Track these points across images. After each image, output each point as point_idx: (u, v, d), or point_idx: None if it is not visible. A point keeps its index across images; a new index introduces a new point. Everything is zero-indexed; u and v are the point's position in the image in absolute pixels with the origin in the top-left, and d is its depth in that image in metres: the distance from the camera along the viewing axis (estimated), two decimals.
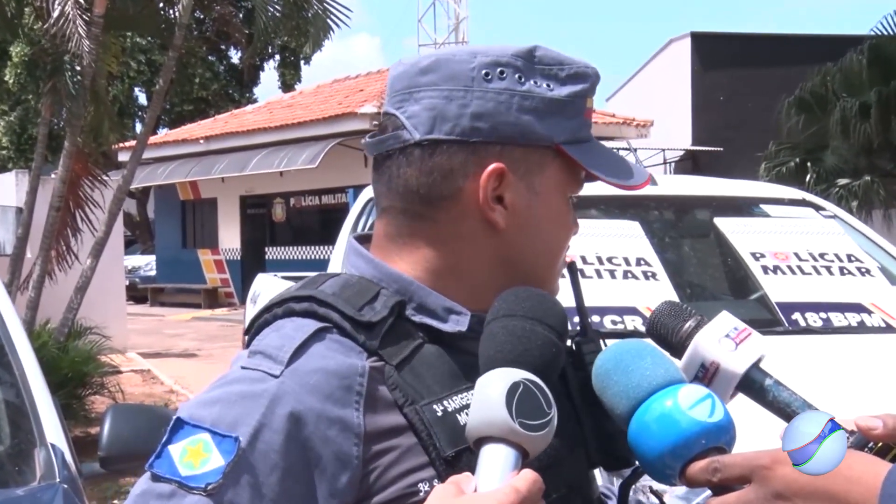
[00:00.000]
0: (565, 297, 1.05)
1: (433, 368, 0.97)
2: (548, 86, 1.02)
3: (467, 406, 0.94)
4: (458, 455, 0.93)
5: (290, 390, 0.92)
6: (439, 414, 0.94)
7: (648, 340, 1.01)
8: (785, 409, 0.96)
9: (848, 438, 0.88)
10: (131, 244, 24.53)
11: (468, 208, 1.01)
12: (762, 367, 0.98)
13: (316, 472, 0.91)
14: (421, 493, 0.92)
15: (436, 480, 0.92)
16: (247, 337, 1.03)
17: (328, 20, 9.38)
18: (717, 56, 20.37)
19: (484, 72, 1.01)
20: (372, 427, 0.93)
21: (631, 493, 1.08)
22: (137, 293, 22.09)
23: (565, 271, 1.11)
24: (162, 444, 0.90)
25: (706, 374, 0.98)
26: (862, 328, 3.37)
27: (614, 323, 3.13)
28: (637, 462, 0.98)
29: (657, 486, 1.15)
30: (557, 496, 0.91)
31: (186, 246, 22.98)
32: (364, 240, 1.08)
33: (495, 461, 0.85)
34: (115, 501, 5.80)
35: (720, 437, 0.90)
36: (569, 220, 1.07)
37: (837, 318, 3.39)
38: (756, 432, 0.95)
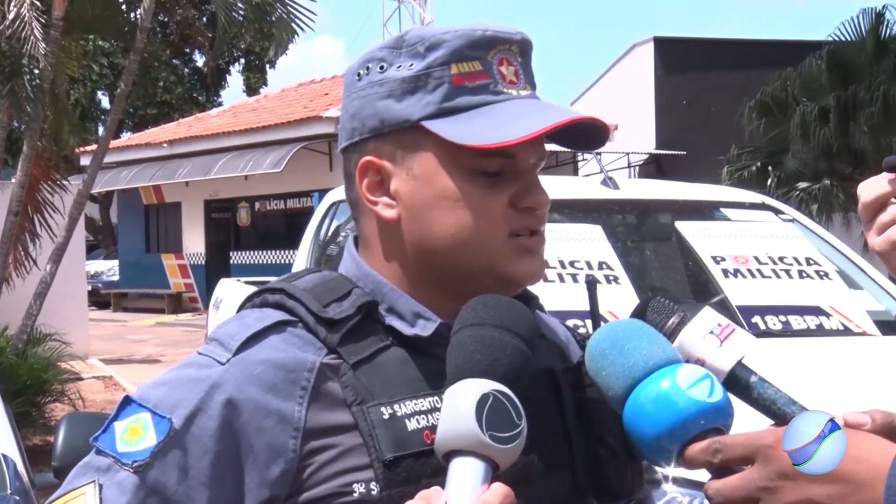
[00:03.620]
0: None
1: (393, 371, 0.95)
2: (410, 65, 0.98)
3: (421, 412, 0.93)
4: (398, 460, 0.91)
5: (231, 378, 0.93)
6: (385, 417, 0.92)
7: None
8: (770, 406, 0.95)
9: None
10: (94, 249, 24.24)
11: (367, 208, 1.02)
12: (746, 364, 0.97)
13: (248, 461, 0.92)
14: (354, 494, 0.91)
15: (373, 483, 0.91)
16: None
17: (292, 23, 9.32)
18: (680, 60, 20.53)
19: (357, 73, 1.02)
20: (314, 422, 0.93)
21: None
22: (100, 298, 21.84)
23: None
24: (109, 420, 0.92)
25: None
26: (820, 331, 3.41)
27: (576, 327, 3.13)
28: (628, 493, 0.96)
29: None
30: None
31: (150, 251, 22.75)
32: None
33: (465, 475, 0.84)
34: None
35: (719, 418, 0.88)
36: (473, 197, 0.97)
37: (796, 321, 3.42)
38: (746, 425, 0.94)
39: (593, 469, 1.00)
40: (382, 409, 0.93)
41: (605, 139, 1.01)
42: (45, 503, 0.91)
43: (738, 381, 0.97)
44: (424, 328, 0.98)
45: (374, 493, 0.91)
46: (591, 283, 1.14)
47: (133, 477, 0.89)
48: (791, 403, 0.95)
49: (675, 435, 0.88)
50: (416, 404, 0.93)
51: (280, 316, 0.97)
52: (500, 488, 0.83)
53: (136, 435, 0.90)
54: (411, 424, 0.92)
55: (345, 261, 1.05)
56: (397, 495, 0.90)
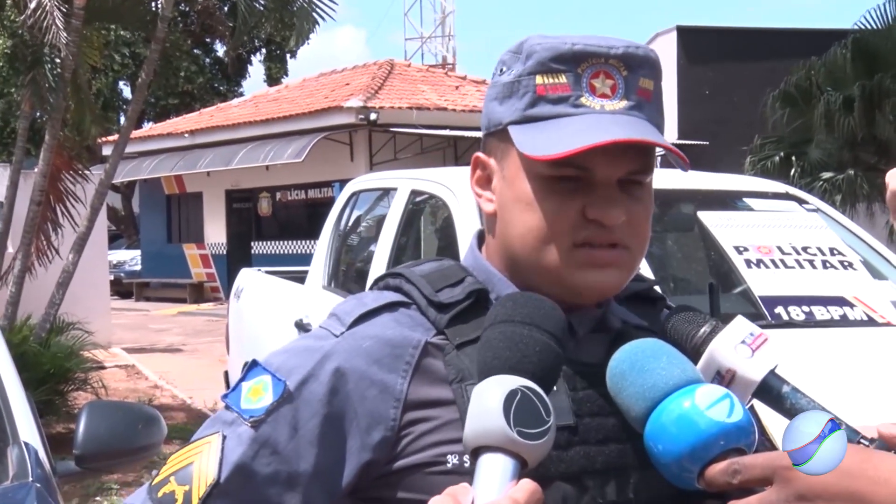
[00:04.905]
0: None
1: None
2: (517, 72, 1.05)
3: None
4: None
5: (342, 349, 1.01)
6: None
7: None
8: None
9: (869, 447, 0.88)
10: (116, 239, 24.40)
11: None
12: (779, 374, 0.96)
13: (352, 425, 1.00)
14: (448, 465, 0.97)
15: (466, 456, 0.94)
16: None
17: (313, 13, 9.31)
18: (702, 50, 20.39)
19: (493, 72, 1.09)
20: (415, 395, 1.00)
21: None
22: (122, 288, 21.98)
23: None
24: (238, 381, 1.03)
25: (722, 381, 0.96)
26: (844, 322, 3.38)
27: None
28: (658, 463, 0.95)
29: None
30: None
31: (172, 240, 22.87)
32: None
33: (493, 471, 0.84)
34: (98, 498, 5.75)
35: (740, 438, 0.88)
36: (543, 202, 1.01)
37: (820, 312, 3.39)
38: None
39: None
40: None
41: (686, 166, 1.03)
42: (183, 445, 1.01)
43: (770, 391, 0.96)
44: None
45: (466, 465, 0.94)
46: (713, 286, 1.16)
47: (250, 430, 0.98)
48: None
49: (696, 456, 0.88)
50: None
51: (395, 297, 1.06)
52: (527, 484, 0.84)
53: (257, 394, 1.00)
54: None
55: (466, 251, 1.14)
56: None
